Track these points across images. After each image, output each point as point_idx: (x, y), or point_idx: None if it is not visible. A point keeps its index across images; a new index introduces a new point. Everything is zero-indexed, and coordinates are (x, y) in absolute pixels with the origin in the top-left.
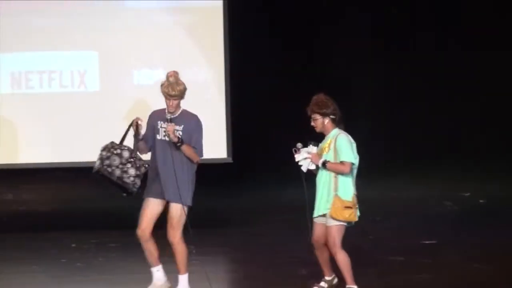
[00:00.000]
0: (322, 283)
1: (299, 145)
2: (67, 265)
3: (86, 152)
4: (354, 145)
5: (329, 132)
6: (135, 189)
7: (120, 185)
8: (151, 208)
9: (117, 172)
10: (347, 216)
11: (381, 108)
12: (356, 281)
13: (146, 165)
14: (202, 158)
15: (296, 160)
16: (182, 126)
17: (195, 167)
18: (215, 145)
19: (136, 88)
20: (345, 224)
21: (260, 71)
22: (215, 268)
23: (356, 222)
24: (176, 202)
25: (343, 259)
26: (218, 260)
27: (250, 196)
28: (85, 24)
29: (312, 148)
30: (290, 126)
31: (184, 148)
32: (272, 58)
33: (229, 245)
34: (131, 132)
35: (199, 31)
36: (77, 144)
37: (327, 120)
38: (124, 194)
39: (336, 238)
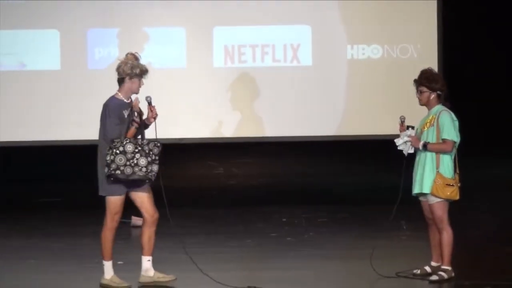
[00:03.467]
0: (427, 267)
1: (402, 117)
2: (278, 239)
3: (292, 126)
4: (457, 123)
5: (432, 108)
6: (152, 177)
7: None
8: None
9: (128, 170)
10: (448, 193)
11: None
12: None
13: (158, 144)
14: None
15: (397, 145)
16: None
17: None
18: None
19: (349, 63)
20: (446, 200)
21: (471, 48)
22: None
23: None
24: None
25: (447, 237)
26: None
27: None
28: None
29: (412, 132)
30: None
31: None
32: (484, 33)
33: None
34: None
35: (411, 6)
36: (283, 118)
37: (433, 95)
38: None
39: (441, 214)
